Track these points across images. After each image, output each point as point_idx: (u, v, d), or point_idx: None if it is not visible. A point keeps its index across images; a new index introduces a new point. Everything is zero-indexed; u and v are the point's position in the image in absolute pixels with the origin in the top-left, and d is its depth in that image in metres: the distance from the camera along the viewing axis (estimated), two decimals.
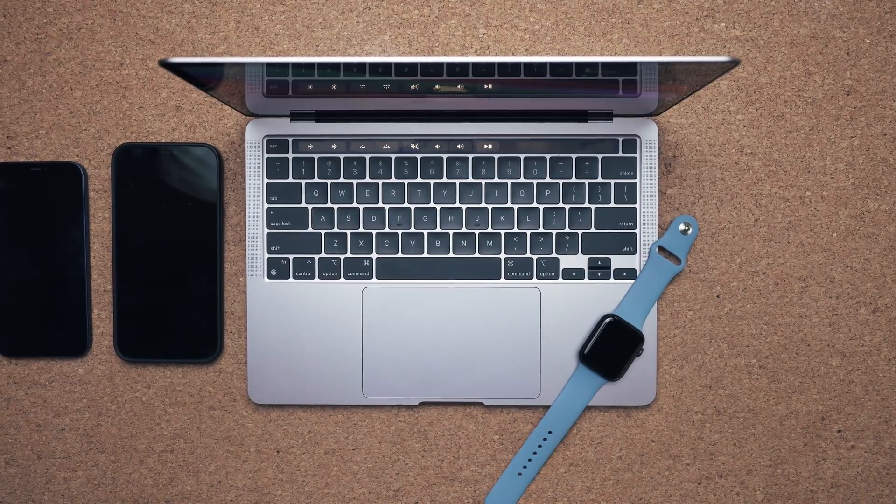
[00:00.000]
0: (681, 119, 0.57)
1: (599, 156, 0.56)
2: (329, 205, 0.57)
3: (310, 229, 0.57)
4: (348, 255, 0.57)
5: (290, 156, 0.56)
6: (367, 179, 0.56)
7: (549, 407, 0.57)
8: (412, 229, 0.57)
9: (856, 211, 0.57)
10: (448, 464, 0.58)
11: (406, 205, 0.56)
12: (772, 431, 0.58)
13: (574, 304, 0.57)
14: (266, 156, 0.56)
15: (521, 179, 0.56)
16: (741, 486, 0.58)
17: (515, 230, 0.56)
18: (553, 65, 0.47)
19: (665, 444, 0.58)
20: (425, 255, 0.57)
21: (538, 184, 0.56)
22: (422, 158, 0.56)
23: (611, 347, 0.56)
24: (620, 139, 0.56)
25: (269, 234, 0.57)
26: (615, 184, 0.56)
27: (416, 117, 0.56)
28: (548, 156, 0.56)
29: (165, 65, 0.41)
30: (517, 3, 0.57)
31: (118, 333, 0.57)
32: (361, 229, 0.57)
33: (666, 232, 0.57)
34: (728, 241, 0.58)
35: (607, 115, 0.56)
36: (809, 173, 0.57)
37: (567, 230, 0.56)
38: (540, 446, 0.57)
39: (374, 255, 0.57)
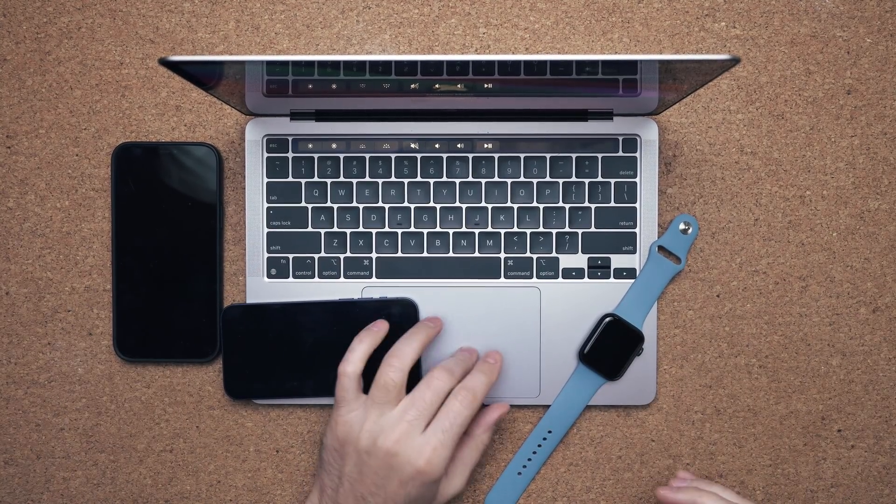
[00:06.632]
0: (681, 118, 0.57)
1: (599, 155, 0.56)
2: (329, 204, 0.56)
3: (309, 229, 0.57)
4: (348, 254, 0.57)
5: (290, 155, 0.56)
6: (367, 179, 0.56)
7: (548, 406, 0.57)
8: (412, 229, 0.57)
9: (856, 210, 0.57)
10: None
11: (406, 204, 0.56)
12: (772, 431, 0.58)
13: (574, 303, 0.56)
14: (266, 155, 0.56)
15: (521, 179, 0.56)
16: (741, 485, 0.58)
17: (515, 229, 0.56)
18: (553, 63, 0.47)
19: (665, 443, 0.58)
20: (425, 254, 0.57)
21: (538, 183, 0.56)
22: (422, 158, 0.56)
23: (611, 347, 0.56)
24: (620, 138, 0.56)
25: (268, 233, 0.57)
26: (615, 183, 0.56)
27: (416, 116, 0.56)
28: (548, 155, 0.56)
29: (165, 63, 0.41)
30: (517, 2, 0.57)
31: (118, 333, 0.57)
32: (361, 229, 0.57)
33: (666, 231, 0.57)
34: (728, 240, 0.58)
35: (607, 115, 0.56)
36: (809, 173, 0.57)
37: (567, 230, 0.56)
38: (540, 446, 0.57)
39: (373, 255, 0.57)
